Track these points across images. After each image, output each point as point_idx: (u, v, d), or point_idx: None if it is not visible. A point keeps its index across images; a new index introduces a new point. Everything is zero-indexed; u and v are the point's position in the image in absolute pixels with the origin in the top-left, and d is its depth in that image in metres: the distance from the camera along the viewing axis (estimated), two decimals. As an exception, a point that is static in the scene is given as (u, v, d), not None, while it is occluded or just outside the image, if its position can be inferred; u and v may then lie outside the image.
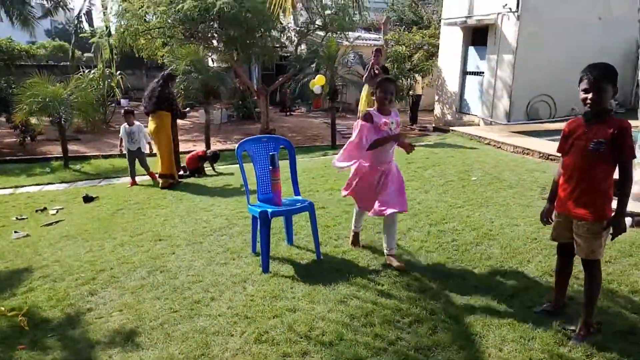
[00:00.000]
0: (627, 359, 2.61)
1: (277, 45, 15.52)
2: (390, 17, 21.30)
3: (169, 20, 12.14)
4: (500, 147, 8.15)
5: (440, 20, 16.96)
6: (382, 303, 3.27)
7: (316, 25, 13.59)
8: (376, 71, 8.52)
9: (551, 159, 7.01)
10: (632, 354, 2.63)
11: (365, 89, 8.82)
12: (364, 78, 8.96)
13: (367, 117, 3.72)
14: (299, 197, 4.32)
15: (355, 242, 4.25)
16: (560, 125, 10.51)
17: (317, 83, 11.15)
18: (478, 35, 12.80)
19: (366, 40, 19.05)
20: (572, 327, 2.87)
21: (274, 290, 3.49)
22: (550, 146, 7.53)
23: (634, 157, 2.69)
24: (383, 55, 9.24)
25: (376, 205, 3.78)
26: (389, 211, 3.71)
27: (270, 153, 4.04)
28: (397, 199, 3.80)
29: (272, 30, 13.32)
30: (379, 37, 19.34)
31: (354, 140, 3.77)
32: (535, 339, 2.80)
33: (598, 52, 11.77)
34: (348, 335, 2.90)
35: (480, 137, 8.95)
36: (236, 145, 4.23)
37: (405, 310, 3.17)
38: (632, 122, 2.80)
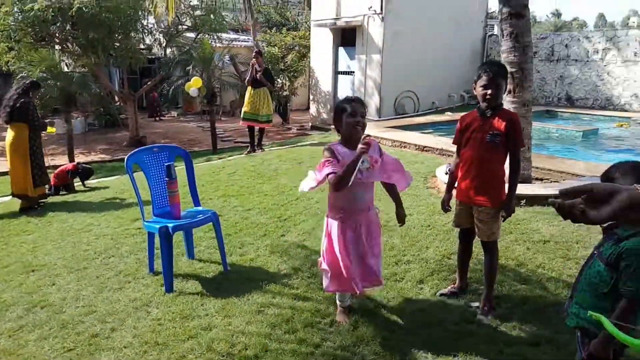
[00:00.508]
0: (526, 324, 2.89)
1: (143, 48, 14.58)
2: (258, 19, 21.33)
3: (13, 23, 10.69)
4: (379, 142, 8.57)
5: (307, 22, 17.44)
6: (300, 307, 3.21)
7: (185, 27, 13.01)
8: (257, 73, 8.46)
9: (426, 151, 7.58)
10: (530, 321, 2.93)
11: (249, 91, 8.71)
12: (245, 80, 8.84)
13: (330, 153, 2.72)
14: (200, 208, 4.07)
15: (342, 313, 3.04)
16: (426, 119, 11.44)
17: (193, 85, 10.70)
18: (347, 36, 13.38)
19: (238, 42, 18.80)
20: (476, 304, 3.11)
21: (183, 310, 3.23)
22: (424, 139, 8.16)
23: (524, 146, 2.98)
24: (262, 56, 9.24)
25: (356, 280, 2.82)
26: (375, 287, 3.04)
27: (166, 164, 3.74)
28: (377, 266, 2.95)
29: (137, 32, 12.44)
30: (249, 39, 19.23)
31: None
32: (447, 319, 2.98)
33: (451, 51, 13.11)
34: (272, 345, 2.80)
35: (360, 133, 9.32)
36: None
37: (324, 311, 3.15)
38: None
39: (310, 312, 3.14)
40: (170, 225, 3.56)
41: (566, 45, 12.84)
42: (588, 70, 12.43)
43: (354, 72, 13.22)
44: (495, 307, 3.05)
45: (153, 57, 15.35)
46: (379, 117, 12.27)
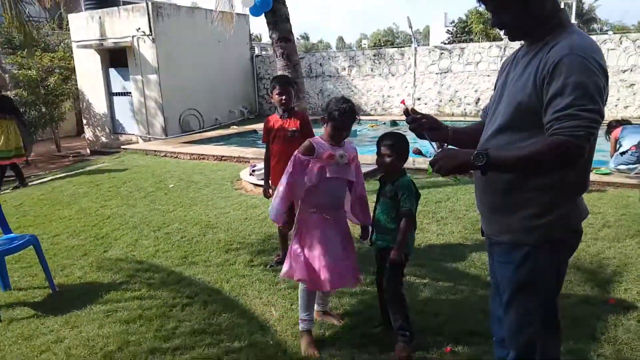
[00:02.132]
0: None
1: None
2: (-1, 39, 18.65)
3: None
4: (177, 157, 8.86)
5: (62, 42, 16.18)
6: (147, 304, 3.46)
7: None
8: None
9: (224, 160, 8.22)
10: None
11: None
12: None
13: (308, 149, 2.72)
14: (13, 235, 3.86)
15: (310, 343, 2.76)
16: (213, 133, 12.09)
17: None
18: (117, 57, 13.04)
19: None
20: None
21: (22, 333, 3.15)
22: (220, 150, 8.77)
23: (313, 135, 3.87)
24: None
25: (327, 275, 2.70)
26: (353, 286, 3.02)
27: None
28: (352, 266, 2.90)
29: None
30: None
31: (282, 181, 2.77)
32: (280, 282, 3.66)
33: (223, 70, 14.07)
34: (132, 338, 3.03)
35: (155, 151, 9.41)
36: None
37: (170, 301, 3.48)
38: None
39: (159, 306, 3.42)
40: (-14, 254, 3.37)
41: (321, 64, 15.13)
42: (340, 84, 14.90)
43: (130, 92, 12.98)
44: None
45: None
46: (166, 136, 12.37)
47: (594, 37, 2.99)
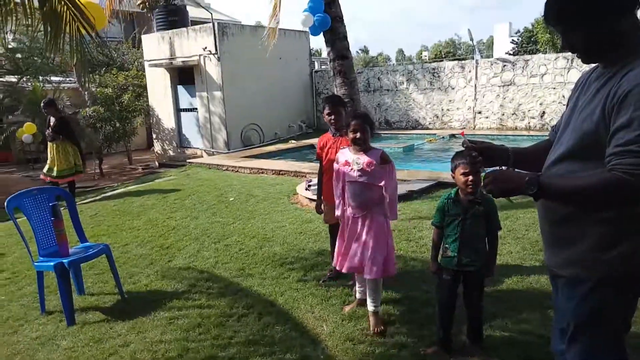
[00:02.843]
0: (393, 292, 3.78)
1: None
2: (80, 59, 20.23)
3: None
4: (238, 171, 9.22)
5: (137, 61, 17.29)
6: (206, 313, 3.65)
7: (4, 70, 12.00)
8: (49, 126, 8.11)
9: (281, 174, 8.45)
10: (391, 288, 3.83)
11: (54, 147, 8.16)
12: (50, 136, 8.12)
13: (336, 159, 3.42)
14: (88, 243, 4.21)
15: (350, 305, 3.55)
16: (274, 148, 12.42)
17: (27, 132, 9.95)
18: (185, 75, 13.77)
19: (65, 83, 17.62)
20: (350, 283, 3.93)
21: (93, 336, 3.42)
22: (279, 164, 9.04)
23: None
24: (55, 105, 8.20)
25: (340, 259, 3.39)
26: (366, 276, 3.23)
27: (51, 204, 3.85)
28: (379, 259, 3.20)
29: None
30: (73, 80, 18.19)
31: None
32: (332, 297, 3.73)
33: (283, 86, 14.46)
34: (192, 345, 3.21)
35: (218, 165, 9.86)
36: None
37: (228, 311, 3.65)
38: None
39: (217, 315, 3.60)
40: (65, 261, 3.69)
41: (378, 78, 15.18)
42: (398, 98, 14.86)
43: (196, 108, 13.64)
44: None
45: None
46: (228, 150, 12.87)
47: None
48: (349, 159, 3.26)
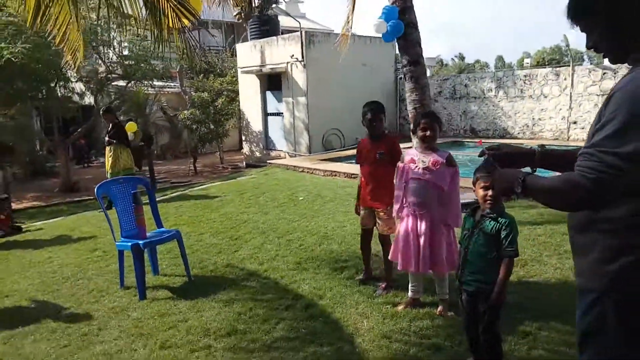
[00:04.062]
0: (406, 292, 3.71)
1: (69, 95, 14.73)
2: (183, 66, 22.01)
3: None
4: (313, 173, 9.56)
5: (233, 68, 18.42)
6: (259, 299, 3.91)
7: (116, 75, 13.46)
8: (108, 132, 8.58)
9: (353, 177, 8.59)
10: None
11: (110, 150, 8.58)
12: (106, 141, 8.63)
13: (402, 158, 3.59)
14: (163, 229, 4.68)
15: (408, 304, 3.58)
16: (351, 152, 12.52)
17: (129, 130, 11.08)
18: (273, 81, 14.45)
19: (168, 88, 19.32)
20: (379, 284, 3.98)
21: (159, 311, 3.81)
22: (351, 168, 9.19)
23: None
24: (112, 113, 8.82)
25: (400, 257, 3.48)
26: (432, 271, 3.43)
27: (133, 191, 4.35)
28: (437, 257, 3.36)
29: (67, 81, 12.68)
30: (176, 85, 19.83)
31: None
32: (369, 298, 3.80)
33: (366, 92, 14.58)
34: (241, 326, 3.47)
35: (295, 166, 10.29)
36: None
37: (278, 300, 3.87)
38: (406, 144, 4.09)
39: (268, 302, 3.85)
40: (141, 242, 4.15)
41: (465, 85, 14.77)
42: (485, 105, 14.35)
43: (282, 113, 14.25)
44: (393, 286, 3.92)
45: (84, 105, 15.47)
46: (310, 153, 13.28)
47: None
48: (415, 157, 3.39)
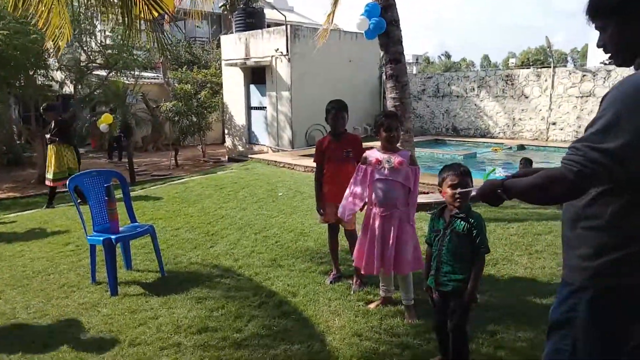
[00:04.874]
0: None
1: (49, 84, 14.45)
2: (167, 57, 21.72)
3: None
4: (293, 168, 9.53)
5: (217, 60, 18.24)
6: (232, 296, 3.89)
7: (97, 64, 13.23)
8: (51, 135, 7.82)
9: (334, 174, 8.61)
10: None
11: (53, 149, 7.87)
12: (48, 139, 7.92)
13: (363, 158, 3.50)
14: (137, 223, 4.62)
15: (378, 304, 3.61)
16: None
17: (104, 122, 10.94)
18: (257, 75, 14.35)
19: (148, 79, 19.06)
20: (350, 282, 4.01)
21: (130, 307, 3.77)
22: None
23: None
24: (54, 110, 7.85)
25: (364, 261, 3.43)
26: (397, 271, 3.41)
27: (106, 185, 4.28)
28: (403, 257, 3.34)
29: (46, 69, 12.43)
30: (159, 76, 19.58)
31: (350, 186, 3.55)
32: (351, 293, 3.82)
33: (351, 88, 14.59)
34: (212, 324, 3.45)
35: (275, 161, 10.25)
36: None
37: (251, 297, 3.86)
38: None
39: (241, 299, 3.83)
40: (113, 237, 4.09)
41: (449, 84, 14.87)
42: (467, 104, 14.47)
43: (266, 107, 14.17)
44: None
45: (65, 94, 15.17)
46: (292, 148, 13.25)
47: None
48: (380, 158, 3.38)
